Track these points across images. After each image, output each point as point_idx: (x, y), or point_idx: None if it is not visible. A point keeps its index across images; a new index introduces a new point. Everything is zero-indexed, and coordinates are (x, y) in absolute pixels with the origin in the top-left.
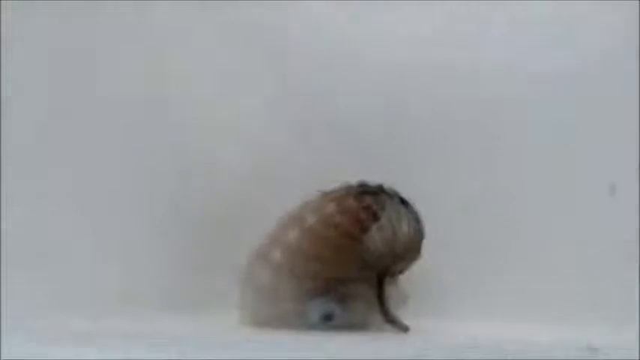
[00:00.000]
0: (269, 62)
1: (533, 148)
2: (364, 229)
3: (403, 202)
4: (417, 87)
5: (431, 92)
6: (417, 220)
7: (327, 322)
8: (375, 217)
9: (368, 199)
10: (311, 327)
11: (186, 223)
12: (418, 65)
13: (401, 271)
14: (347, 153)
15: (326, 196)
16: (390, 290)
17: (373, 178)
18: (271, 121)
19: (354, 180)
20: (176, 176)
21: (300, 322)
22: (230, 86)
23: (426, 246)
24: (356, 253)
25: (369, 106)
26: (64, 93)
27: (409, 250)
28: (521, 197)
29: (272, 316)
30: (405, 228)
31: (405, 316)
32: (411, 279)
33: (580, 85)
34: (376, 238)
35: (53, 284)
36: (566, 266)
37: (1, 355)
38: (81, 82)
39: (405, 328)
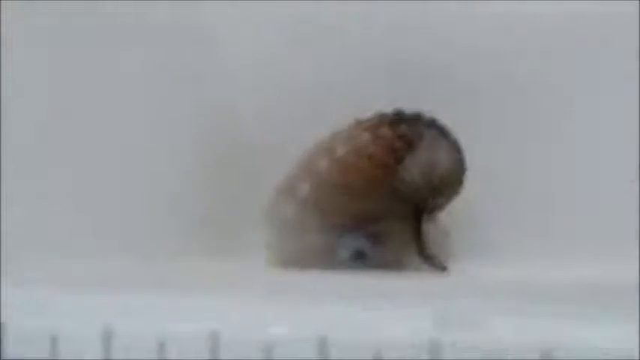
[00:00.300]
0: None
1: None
2: (399, 159)
3: (442, 131)
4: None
5: (470, 21)
6: (457, 150)
7: (359, 260)
8: (411, 147)
9: (403, 128)
10: (341, 265)
11: (208, 165)
12: None
13: (440, 207)
14: (380, 82)
15: (358, 125)
16: (428, 228)
17: (409, 108)
18: (295, 55)
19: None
20: (196, 122)
21: (329, 260)
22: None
23: (469, 180)
24: (390, 186)
25: (401, 33)
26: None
27: (448, 183)
28: (572, 130)
29: (299, 254)
30: (443, 159)
31: (444, 257)
32: (452, 216)
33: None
34: (412, 169)
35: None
36: (619, 204)
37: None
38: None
39: (443, 268)
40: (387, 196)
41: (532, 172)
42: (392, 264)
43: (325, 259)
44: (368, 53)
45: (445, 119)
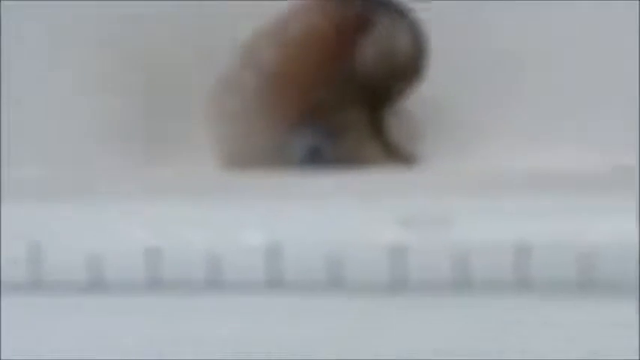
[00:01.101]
0: None
1: None
2: (354, 41)
3: (400, 8)
4: None
5: None
6: (418, 31)
7: (314, 158)
8: (367, 26)
9: (357, 4)
10: (294, 164)
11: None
12: None
13: (401, 93)
14: None
15: (306, 4)
16: (389, 118)
17: None
18: None
19: None
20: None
21: (281, 159)
22: None
23: (434, 71)
24: (345, 71)
25: None
26: None
27: (409, 65)
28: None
29: (247, 154)
30: (403, 39)
31: (410, 148)
32: (416, 104)
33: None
34: (369, 50)
35: None
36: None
37: None
38: None
39: (409, 159)
40: (341, 83)
41: (506, 50)
42: (351, 160)
43: (277, 158)
44: None
45: None
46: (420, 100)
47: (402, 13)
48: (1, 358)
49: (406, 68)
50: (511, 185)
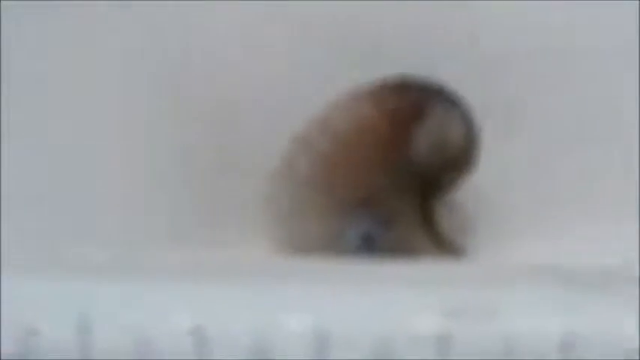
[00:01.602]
0: None
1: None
2: (407, 131)
3: (453, 98)
4: None
5: None
6: (470, 120)
7: (368, 244)
8: (420, 116)
9: (411, 95)
10: (347, 251)
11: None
12: None
13: (452, 184)
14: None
15: (358, 93)
16: (440, 208)
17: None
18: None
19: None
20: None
21: (334, 246)
22: None
23: (485, 162)
24: (397, 161)
25: None
26: None
27: (461, 156)
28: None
29: (301, 240)
30: (456, 130)
31: (460, 240)
32: (467, 196)
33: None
34: (421, 141)
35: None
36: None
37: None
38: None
39: (460, 251)
40: (393, 172)
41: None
42: (402, 249)
43: (330, 245)
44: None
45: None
46: (472, 192)
47: (454, 102)
48: None
49: (458, 158)
50: (559, 279)
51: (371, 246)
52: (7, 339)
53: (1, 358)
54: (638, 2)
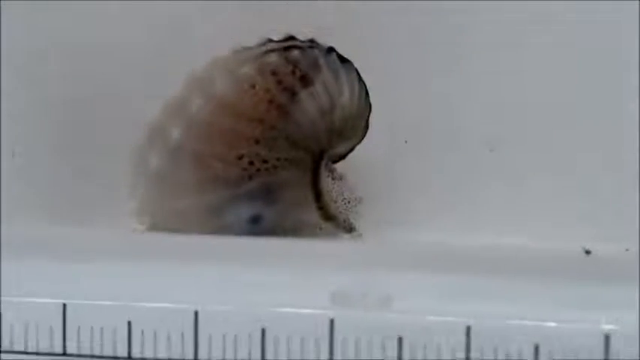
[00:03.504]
0: None
1: None
2: (292, 96)
3: (343, 60)
4: None
5: None
6: (361, 85)
7: (254, 225)
8: (306, 80)
9: (296, 56)
10: (228, 229)
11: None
12: None
13: (343, 154)
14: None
15: (239, 54)
16: (333, 185)
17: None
18: None
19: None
20: None
21: (209, 221)
22: None
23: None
24: (282, 129)
25: None
26: None
27: (352, 124)
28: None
29: (172, 215)
30: (346, 95)
31: (352, 217)
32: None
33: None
34: (308, 107)
35: None
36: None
37: None
38: None
39: (349, 229)
40: (278, 141)
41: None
42: (288, 225)
43: (205, 221)
44: None
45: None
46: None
47: (344, 64)
48: None
49: (348, 125)
50: (460, 263)
51: (257, 224)
52: None
53: None
54: (638, 2)
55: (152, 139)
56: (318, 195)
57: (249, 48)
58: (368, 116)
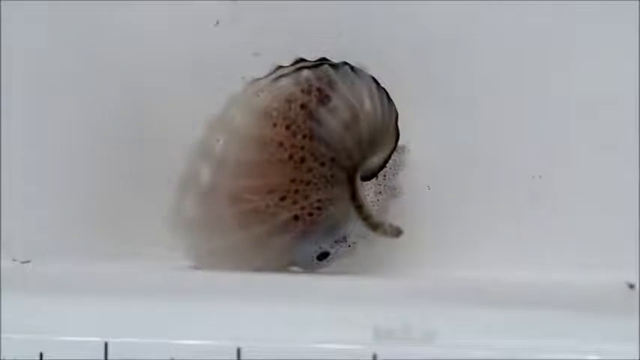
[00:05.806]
0: None
1: None
2: (312, 115)
3: (355, 70)
4: None
5: None
6: (380, 91)
7: (321, 261)
8: (323, 98)
9: (308, 77)
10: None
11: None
12: None
13: (380, 164)
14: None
15: (253, 85)
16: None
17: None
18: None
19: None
20: None
21: (259, 256)
22: None
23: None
24: (309, 151)
25: None
26: None
27: (380, 131)
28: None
29: (218, 254)
30: (367, 103)
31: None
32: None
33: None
34: (330, 124)
35: None
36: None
37: None
38: None
39: (395, 233)
40: (309, 165)
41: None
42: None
43: (254, 256)
44: None
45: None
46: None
47: (357, 74)
48: None
49: (375, 131)
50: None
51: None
52: None
53: None
54: (638, 2)
55: (184, 187)
56: (359, 207)
57: (260, 78)
58: (396, 121)
